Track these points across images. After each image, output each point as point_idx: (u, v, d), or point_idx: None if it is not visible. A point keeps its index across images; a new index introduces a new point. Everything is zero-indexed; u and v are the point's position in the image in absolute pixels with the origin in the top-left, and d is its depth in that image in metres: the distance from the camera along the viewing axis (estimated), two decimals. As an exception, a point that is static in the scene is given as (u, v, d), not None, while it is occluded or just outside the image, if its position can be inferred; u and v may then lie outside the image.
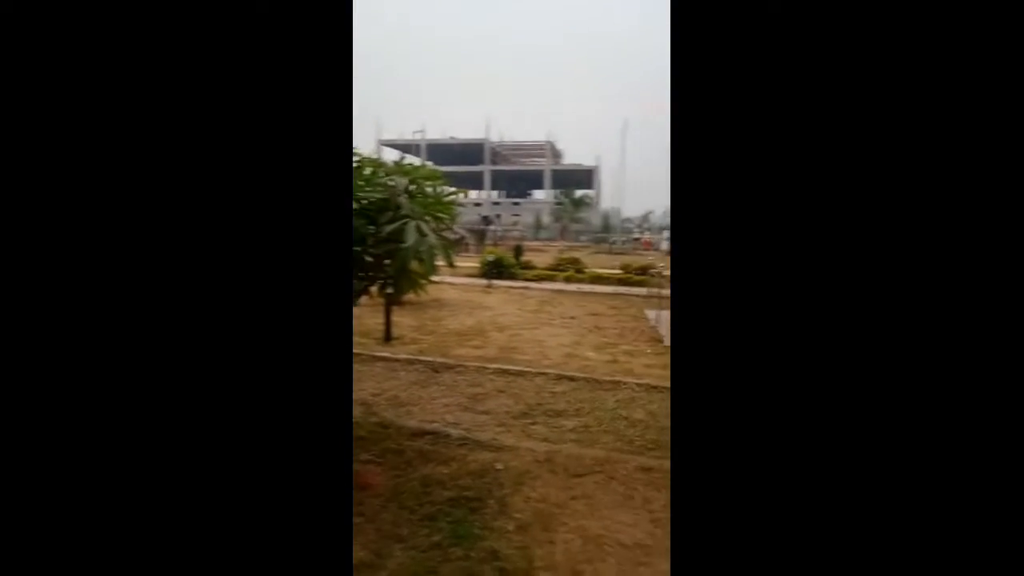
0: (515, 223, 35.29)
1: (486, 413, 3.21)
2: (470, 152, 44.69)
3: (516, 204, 44.48)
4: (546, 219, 36.46)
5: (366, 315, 5.75)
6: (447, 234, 3.16)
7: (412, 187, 2.98)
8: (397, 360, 4.30)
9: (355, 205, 2.17)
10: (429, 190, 3.00)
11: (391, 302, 5.61)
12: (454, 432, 2.89)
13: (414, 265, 2.68)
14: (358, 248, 2.49)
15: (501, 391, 3.61)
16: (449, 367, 4.09)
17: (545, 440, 2.86)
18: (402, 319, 5.97)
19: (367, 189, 2.56)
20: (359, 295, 2.62)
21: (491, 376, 3.93)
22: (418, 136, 42.82)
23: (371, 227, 2.46)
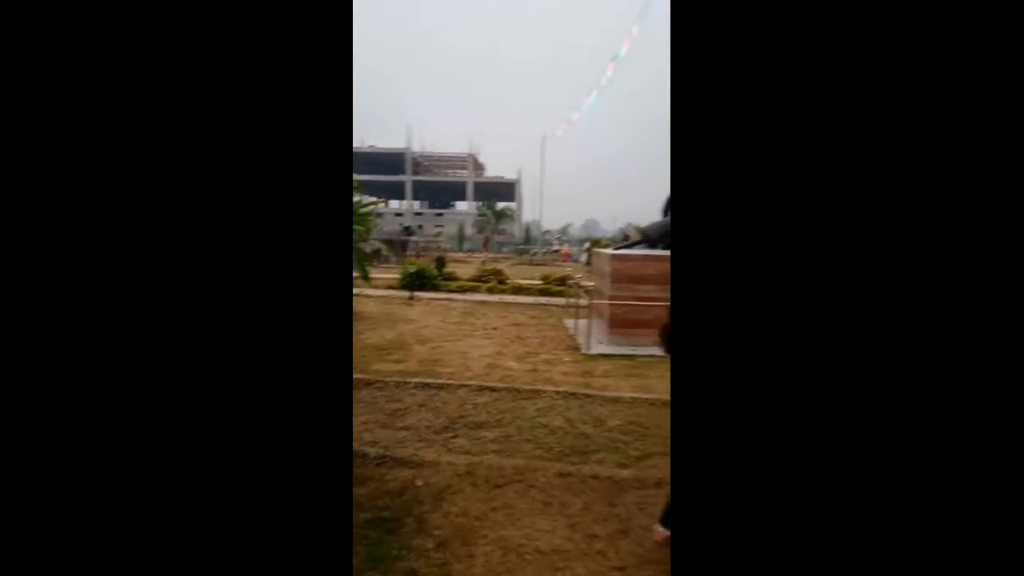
0: (438, 234, 35.08)
1: (406, 429, 3.16)
2: (391, 161, 43.87)
3: (439, 215, 44.17)
4: (469, 230, 36.55)
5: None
6: (363, 246, 3.10)
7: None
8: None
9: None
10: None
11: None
12: (372, 451, 2.81)
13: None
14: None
15: (422, 405, 3.57)
16: (368, 383, 3.99)
17: (467, 453, 2.84)
18: None
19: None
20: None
21: (412, 391, 3.87)
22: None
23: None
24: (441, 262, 12.92)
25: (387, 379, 4.08)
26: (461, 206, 50.42)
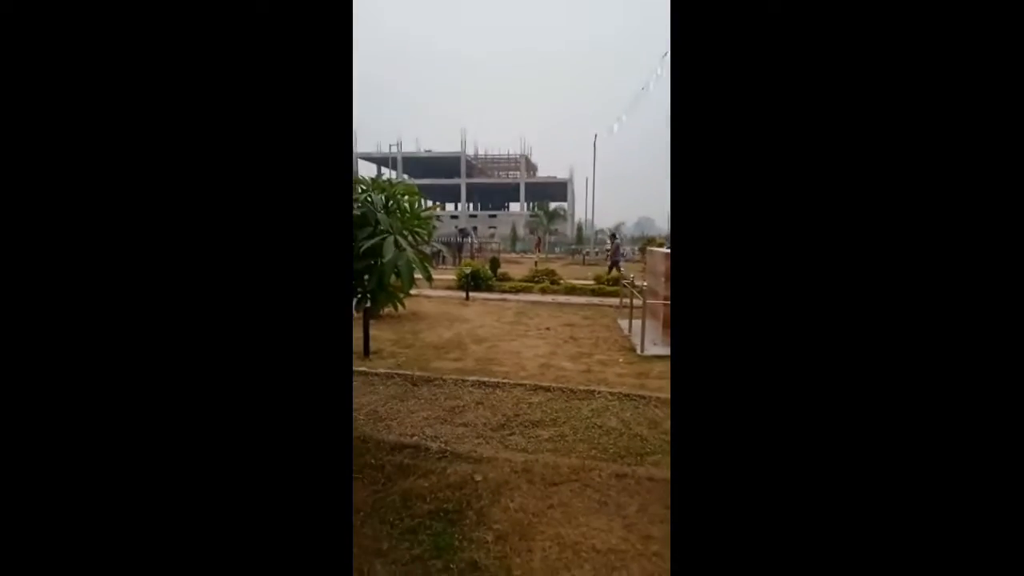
0: (491, 235, 35.30)
1: (465, 425, 3.22)
2: (446, 165, 44.81)
3: (492, 216, 44.59)
4: (521, 231, 36.52)
5: (344, 330, 5.72)
6: (424, 248, 3.21)
7: (390, 203, 3.03)
8: (376, 374, 4.26)
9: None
10: (406, 205, 3.05)
11: (369, 317, 5.56)
12: (433, 445, 2.89)
13: (392, 279, 2.73)
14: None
15: (479, 403, 3.63)
16: (428, 380, 4.09)
17: (523, 451, 2.87)
18: (380, 333, 5.94)
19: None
20: None
21: (470, 388, 3.94)
22: (394, 149, 42.53)
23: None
24: (495, 263, 13.02)
25: (445, 377, 4.16)
26: (514, 207, 50.63)
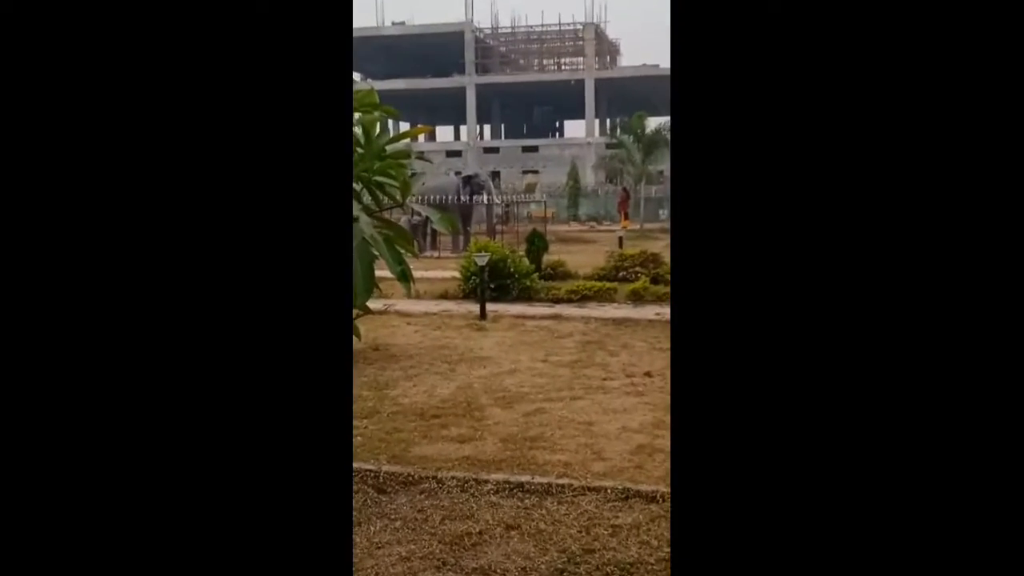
0: (530, 188, 34.81)
1: (485, 574, 3.31)
2: (438, 51, 44.36)
3: (531, 151, 43.93)
4: (590, 177, 35.95)
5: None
6: (399, 218, 3.13)
7: None
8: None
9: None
10: (359, 131, 3.03)
11: None
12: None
13: None
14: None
15: (511, 528, 3.70)
16: (407, 481, 4.21)
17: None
18: None
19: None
20: None
21: (491, 497, 4.02)
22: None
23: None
24: (537, 242, 12.91)
25: (443, 474, 4.28)
26: (574, 129, 50.04)
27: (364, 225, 2.83)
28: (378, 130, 3.19)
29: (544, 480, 4.19)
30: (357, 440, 5.00)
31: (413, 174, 3.36)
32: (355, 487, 4.17)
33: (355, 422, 5.27)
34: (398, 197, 3.21)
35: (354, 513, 3.82)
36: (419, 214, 5.43)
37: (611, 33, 49.04)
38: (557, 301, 10.59)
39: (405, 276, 3.03)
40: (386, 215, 3.35)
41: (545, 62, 49.03)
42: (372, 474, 4.34)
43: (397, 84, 40.98)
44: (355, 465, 4.37)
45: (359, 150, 3.04)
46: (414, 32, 44.02)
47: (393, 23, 44.54)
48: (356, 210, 2.83)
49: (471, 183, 20.67)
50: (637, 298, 10.45)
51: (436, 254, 17.50)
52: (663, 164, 29.13)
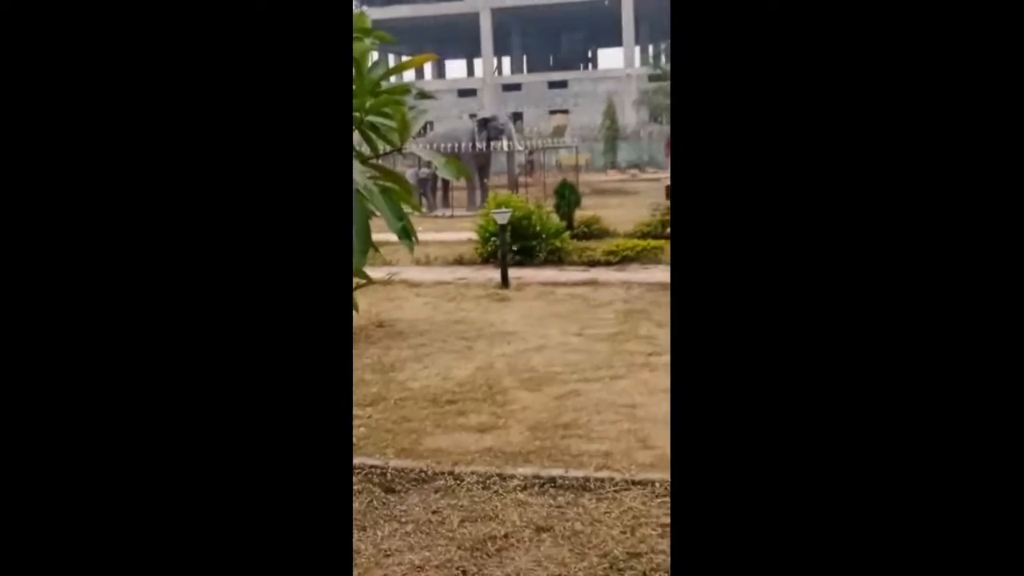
0: (558, 131, 32.86)
1: None
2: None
3: (559, 87, 41.66)
4: (630, 116, 34.40)
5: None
6: (402, 171, 2.93)
7: None
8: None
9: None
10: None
11: None
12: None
13: None
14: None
15: (543, 529, 3.56)
16: (419, 478, 4.12)
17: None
18: None
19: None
20: None
21: (517, 495, 3.87)
22: None
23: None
24: (567, 195, 12.56)
25: (462, 469, 4.17)
26: (608, 59, 48.01)
27: (357, 174, 2.62)
28: (372, 61, 2.95)
29: (580, 474, 4.03)
30: (360, 432, 4.88)
31: (415, 116, 3.10)
32: (359, 486, 4.06)
33: (357, 411, 5.13)
34: (396, 141, 2.94)
35: (358, 516, 3.73)
36: (427, 165, 5.08)
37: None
38: (593, 264, 10.19)
39: (407, 233, 2.77)
40: (386, 164, 3.12)
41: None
42: (379, 470, 4.20)
43: (401, 11, 38.94)
44: (358, 460, 4.27)
45: (361, 87, 2.90)
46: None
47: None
48: (355, 161, 2.72)
49: (488, 127, 19.77)
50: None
51: (449, 212, 17.04)
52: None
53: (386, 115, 2.90)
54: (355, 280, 2.90)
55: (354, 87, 2.81)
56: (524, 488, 3.87)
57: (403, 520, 3.66)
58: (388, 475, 4.11)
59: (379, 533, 3.56)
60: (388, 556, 3.37)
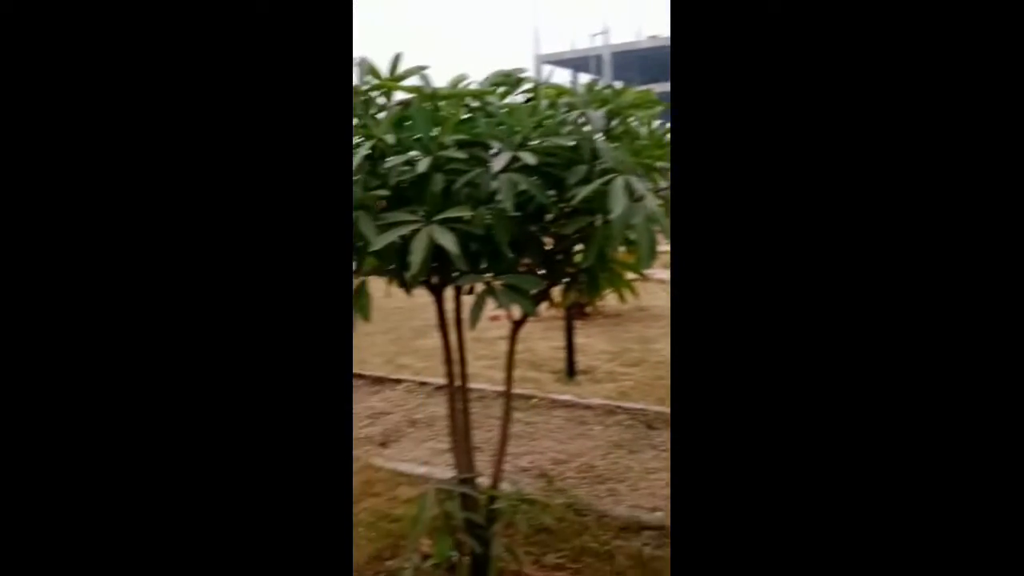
0: None
1: None
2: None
3: None
4: None
5: (535, 335, 6.29)
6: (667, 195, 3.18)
7: (613, 122, 2.91)
8: (588, 407, 4.80)
9: (530, 160, 2.36)
10: (636, 125, 3.01)
11: (574, 314, 5.93)
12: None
13: (620, 250, 2.78)
14: (533, 227, 2.67)
15: None
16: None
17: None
18: (591, 342, 6.39)
19: (542, 131, 2.63)
20: (538, 301, 2.74)
21: None
22: (599, 42, 42.90)
23: (552, 193, 2.60)
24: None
25: None
26: None
27: (649, 203, 2.66)
28: (653, 124, 3.18)
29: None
30: (628, 384, 5.40)
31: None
32: (624, 423, 4.64)
33: (621, 369, 5.80)
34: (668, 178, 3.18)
35: (628, 444, 4.27)
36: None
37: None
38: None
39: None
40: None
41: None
42: (642, 412, 4.72)
43: (655, 86, 40.45)
44: (625, 405, 4.88)
45: (643, 141, 3.04)
46: (664, 43, 44.28)
47: (652, 37, 44.77)
48: (643, 188, 2.68)
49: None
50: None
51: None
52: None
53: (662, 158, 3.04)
54: (631, 275, 3.06)
55: (646, 142, 3.00)
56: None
57: (661, 448, 4.11)
58: (649, 416, 4.60)
59: (644, 456, 4.05)
60: (651, 473, 3.84)
